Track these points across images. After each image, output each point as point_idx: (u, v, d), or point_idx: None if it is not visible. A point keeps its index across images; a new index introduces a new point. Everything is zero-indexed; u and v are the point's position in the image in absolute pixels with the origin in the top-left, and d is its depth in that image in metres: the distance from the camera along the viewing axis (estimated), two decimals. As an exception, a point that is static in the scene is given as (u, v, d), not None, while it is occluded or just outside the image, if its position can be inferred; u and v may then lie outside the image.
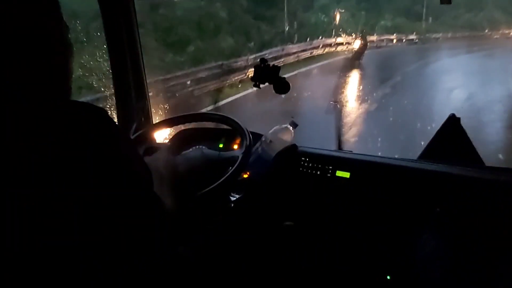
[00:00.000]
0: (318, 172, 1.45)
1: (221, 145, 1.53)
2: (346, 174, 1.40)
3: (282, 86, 1.36)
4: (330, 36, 15.93)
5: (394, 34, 18.71)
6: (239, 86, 10.17)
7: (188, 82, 8.77)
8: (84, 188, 0.66)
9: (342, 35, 15.72)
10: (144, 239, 0.77)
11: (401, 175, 1.34)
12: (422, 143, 1.54)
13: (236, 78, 10.50)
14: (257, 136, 1.48)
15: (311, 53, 14.55)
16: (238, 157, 1.26)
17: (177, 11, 12.03)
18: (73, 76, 0.82)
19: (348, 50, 14.73)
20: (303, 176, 1.47)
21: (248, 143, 1.29)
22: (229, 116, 1.42)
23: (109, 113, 0.76)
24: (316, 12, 19.37)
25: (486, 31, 18.76)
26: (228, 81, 10.20)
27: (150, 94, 1.77)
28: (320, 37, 15.82)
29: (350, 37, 16.50)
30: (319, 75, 12.16)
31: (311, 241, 1.45)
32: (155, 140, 1.52)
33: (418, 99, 7.84)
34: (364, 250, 1.36)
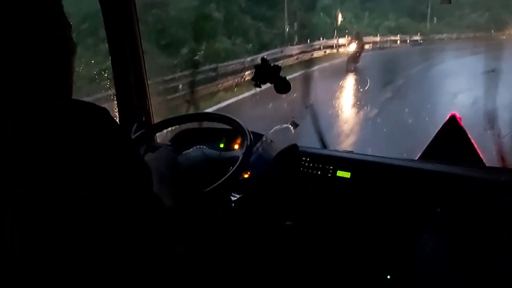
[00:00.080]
0: (319, 172, 1.47)
1: (222, 145, 1.55)
2: (347, 174, 1.42)
3: (282, 86, 1.39)
4: (332, 38, 15.87)
5: (398, 35, 18.64)
6: (235, 89, 9.94)
7: (180, 86, 8.58)
8: (84, 188, 0.67)
9: (344, 36, 15.62)
10: (144, 239, 0.78)
11: (402, 175, 1.35)
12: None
13: (232, 81, 10.29)
14: (257, 136, 1.49)
15: (311, 55, 14.36)
16: (238, 157, 1.28)
17: (171, 12, 11.83)
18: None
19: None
20: (304, 176, 1.49)
21: (249, 143, 1.30)
22: (230, 116, 1.44)
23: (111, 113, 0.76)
24: (318, 13, 19.28)
25: (492, 31, 18.68)
26: (223, 85, 9.96)
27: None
28: (321, 38, 15.75)
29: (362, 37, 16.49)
30: (319, 78, 11.91)
31: (311, 241, 1.47)
32: (156, 140, 1.55)
33: (421, 104, 7.57)
34: (364, 250, 1.38)
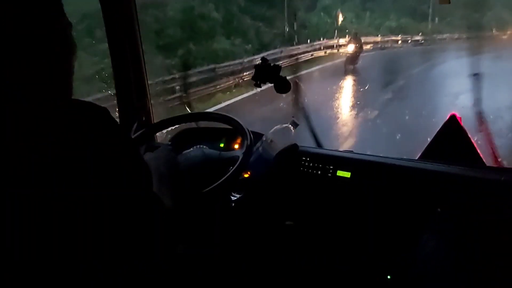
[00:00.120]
0: (319, 172, 1.47)
1: (222, 145, 1.56)
2: (347, 174, 1.43)
3: (282, 86, 1.40)
4: (332, 38, 15.85)
5: (399, 35, 18.66)
6: (233, 90, 9.87)
7: (177, 87, 8.51)
8: (84, 188, 0.68)
9: (345, 36, 15.60)
10: (143, 239, 0.79)
11: (402, 175, 1.36)
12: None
13: (231, 82, 10.20)
14: (258, 136, 1.50)
15: (312, 55, 14.30)
16: (238, 157, 1.29)
17: (169, 12, 11.75)
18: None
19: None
20: (304, 176, 1.50)
21: (249, 142, 1.31)
22: (230, 116, 1.45)
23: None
24: (319, 13, 19.26)
25: (494, 31, 18.68)
26: (221, 86, 9.88)
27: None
28: (321, 39, 15.74)
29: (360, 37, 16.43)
30: (318, 79, 11.84)
31: (311, 241, 1.48)
32: (156, 140, 1.55)
33: (422, 105, 7.43)
34: (364, 250, 1.38)
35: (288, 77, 1.38)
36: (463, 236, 1.18)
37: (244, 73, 10.54)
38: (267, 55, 11.52)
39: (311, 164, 1.49)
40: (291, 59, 13.02)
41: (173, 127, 1.56)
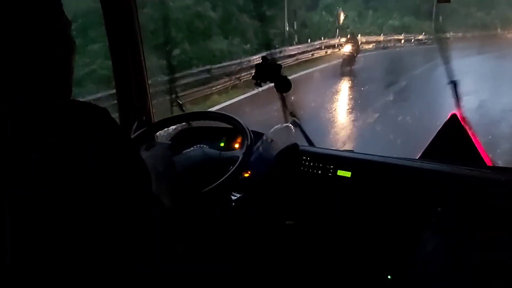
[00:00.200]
0: (319, 172, 1.48)
1: (222, 144, 1.58)
2: (347, 174, 1.44)
3: (283, 85, 1.42)
4: (334, 37, 15.80)
5: (402, 34, 18.66)
6: (230, 92, 9.74)
7: (170, 89, 8.37)
8: (84, 188, 0.69)
9: (347, 35, 15.59)
10: (143, 239, 0.79)
11: (402, 174, 1.37)
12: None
13: (227, 83, 10.06)
14: (258, 135, 1.51)
15: (312, 55, 14.22)
16: (239, 157, 1.30)
17: (163, 11, 11.44)
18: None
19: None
20: (304, 175, 1.51)
21: (249, 142, 1.32)
22: (230, 115, 1.47)
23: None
24: (320, 12, 19.24)
25: (499, 30, 18.70)
26: (217, 87, 9.73)
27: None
28: (322, 38, 15.70)
29: (357, 38, 16.36)
30: (318, 79, 11.72)
31: (312, 241, 1.49)
32: (156, 139, 1.57)
33: (424, 107, 7.13)
34: (365, 249, 1.39)
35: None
36: (463, 236, 1.19)
37: (242, 74, 10.38)
38: (266, 55, 11.52)
39: (311, 164, 1.50)
40: (291, 59, 12.91)
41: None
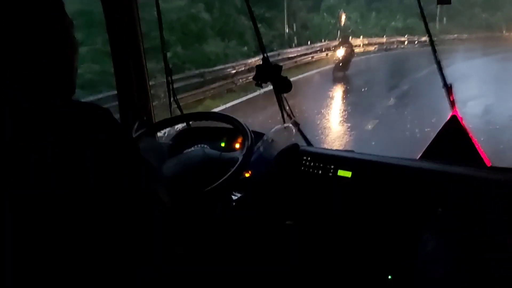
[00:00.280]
0: (320, 172, 1.49)
1: (223, 144, 1.60)
2: (348, 174, 1.45)
3: (283, 85, 1.45)
4: (335, 39, 15.73)
5: (406, 36, 18.69)
6: (225, 96, 9.61)
7: (162, 95, 8.08)
8: (84, 188, 0.70)
9: (349, 37, 15.52)
10: (143, 239, 0.81)
11: (403, 174, 1.38)
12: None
13: (222, 87, 9.97)
14: (259, 135, 1.53)
15: (312, 57, 14.13)
16: (238, 158, 1.32)
17: (155, 13, 11.37)
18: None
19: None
20: (305, 176, 1.52)
21: (249, 143, 1.35)
22: (231, 115, 1.49)
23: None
24: (322, 13, 19.21)
25: (504, 31, 18.74)
26: (211, 92, 9.60)
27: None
28: (323, 40, 15.65)
29: (359, 39, 16.37)
30: (317, 83, 11.53)
31: (312, 241, 1.50)
32: (157, 139, 1.60)
33: (426, 113, 6.86)
34: (365, 249, 1.40)
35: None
36: (463, 236, 1.19)
37: (238, 77, 10.34)
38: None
39: (312, 164, 1.52)
40: (290, 61, 12.72)
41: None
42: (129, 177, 0.77)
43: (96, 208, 0.72)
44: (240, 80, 10.38)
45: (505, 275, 1.11)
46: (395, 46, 18.07)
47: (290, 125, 1.55)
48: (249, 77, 9.76)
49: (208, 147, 1.52)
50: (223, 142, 1.63)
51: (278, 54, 12.64)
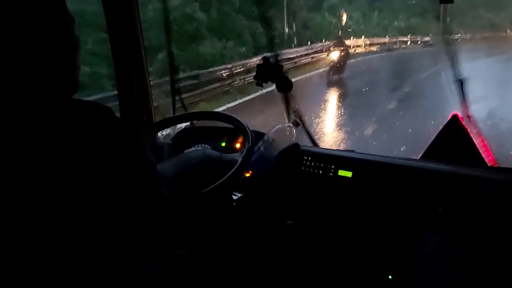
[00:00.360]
0: (320, 171, 1.51)
1: (223, 144, 1.62)
2: (348, 174, 1.47)
3: (284, 85, 1.47)
4: (335, 39, 15.66)
5: (408, 36, 18.66)
6: (221, 98, 9.46)
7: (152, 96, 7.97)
8: (84, 188, 0.72)
9: (350, 37, 15.46)
10: (143, 239, 0.83)
11: (403, 174, 1.40)
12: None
13: (218, 89, 9.84)
14: (259, 135, 1.55)
15: (312, 58, 13.98)
16: (238, 160, 1.34)
17: (149, 12, 11.26)
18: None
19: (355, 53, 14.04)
20: (305, 175, 1.54)
21: (250, 144, 1.37)
22: (231, 115, 1.51)
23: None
24: (323, 13, 19.15)
25: (508, 31, 18.73)
26: (206, 94, 9.44)
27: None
28: (324, 40, 15.58)
29: (360, 40, 16.33)
30: (316, 85, 11.30)
31: (312, 240, 1.52)
32: (157, 139, 1.61)
33: (428, 117, 6.57)
34: (365, 249, 1.42)
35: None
36: (464, 236, 1.21)
37: (235, 79, 10.20)
38: (258, 60, 10.93)
39: (312, 164, 1.53)
40: (289, 62, 12.54)
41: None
42: (129, 176, 0.79)
43: (96, 208, 0.73)
44: (238, 81, 10.32)
45: (505, 275, 1.13)
46: (398, 46, 18.03)
47: (291, 124, 1.57)
48: (247, 79, 9.77)
49: (208, 147, 1.54)
50: (223, 142, 1.65)
51: (277, 55, 12.44)
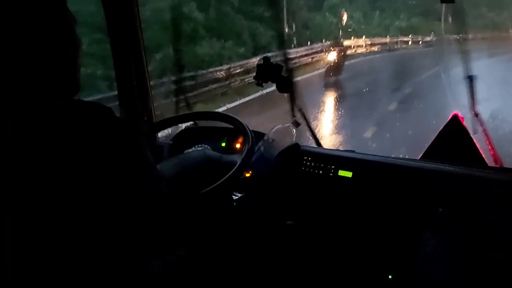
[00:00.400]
0: (321, 172, 1.52)
1: (223, 144, 1.64)
2: (349, 174, 1.47)
3: (284, 85, 1.48)
4: (336, 39, 15.63)
5: (410, 36, 18.66)
6: (219, 100, 9.42)
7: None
8: (84, 188, 0.73)
9: (350, 37, 15.42)
10: (143, 239, 0.84)
11: (404, 174, 1.41)
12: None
13: (216, 90, 9.81)
14: (259, 135, 1.56)
15: (312, 58, 13.90)
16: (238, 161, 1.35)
17: (146, 12, 10.89)
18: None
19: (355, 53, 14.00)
20: (305, 175, 1.54)
21: (250, 144, 1.38)
22: (231, 115, 1.52)
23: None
24: (323, 13, 19.14)
25: (510, 31, 18.73)
26: (203, 95, 9.42)
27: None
28: (324, 40, 15.58)
29: (361, 40, 16.33)
30: (315, 87, 11.10)
31: (312, 240, 1.52)
32: (157, 139, 1.62)
33: (429, 120, 6.40)
34: (365, 249, 1.43)
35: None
36: (464, 236, 1.22)
37: (233, 79, 10.19)
38: (256, 61, 11.14)
39: (312, 164, 1.54)
40: (289, 63, 12.72)
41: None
42: (129, 176, 0.79)
43: (96, 208, 0.74)
44: (236, 82, 10.31)
45: (505, 275, 1.13)
46: (399, 46, 18.01)
47: (291, 124, 1.57)
48: (245, 80, 9.79)
49: (209, 148, 1.56)
50: (224, 142, 1.66)
51: (276, 56, 12.42)
